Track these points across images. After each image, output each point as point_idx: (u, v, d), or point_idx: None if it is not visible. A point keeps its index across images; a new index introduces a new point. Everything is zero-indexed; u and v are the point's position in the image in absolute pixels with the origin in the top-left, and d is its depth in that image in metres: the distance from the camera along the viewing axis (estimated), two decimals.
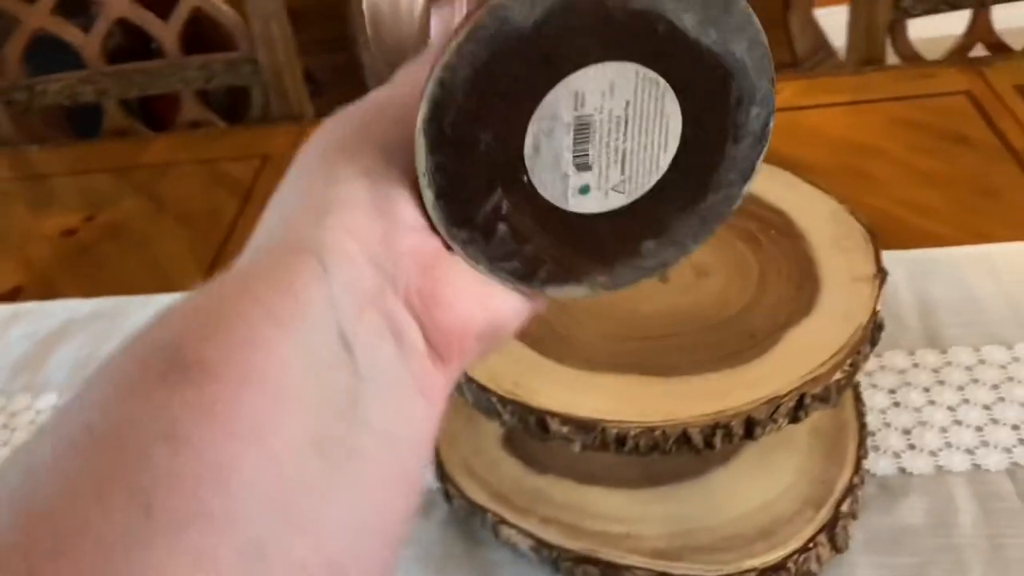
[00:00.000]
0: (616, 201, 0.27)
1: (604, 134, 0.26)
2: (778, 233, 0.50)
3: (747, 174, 0.28)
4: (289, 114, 1.13)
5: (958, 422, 0.58)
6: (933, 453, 0.56)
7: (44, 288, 0.83)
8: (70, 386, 0.71)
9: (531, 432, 0.43)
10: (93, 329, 0.76)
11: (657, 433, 0.40)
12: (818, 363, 0.42)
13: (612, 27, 0.24)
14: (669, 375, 0.42)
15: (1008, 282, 0.67)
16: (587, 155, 0.26)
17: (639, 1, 0.24)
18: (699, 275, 0.48)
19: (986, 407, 0.58)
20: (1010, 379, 0.60)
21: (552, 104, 0.25)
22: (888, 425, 0.58)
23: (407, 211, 0.26)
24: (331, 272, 0.25)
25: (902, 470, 0.55)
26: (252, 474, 0.21)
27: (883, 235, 0.75)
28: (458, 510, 0.55)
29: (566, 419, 0.41)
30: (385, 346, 0.25)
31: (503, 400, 0.43)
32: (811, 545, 0.48)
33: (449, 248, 0.27)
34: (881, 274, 0.47)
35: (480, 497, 0.53)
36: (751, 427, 0.40)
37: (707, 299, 0.47)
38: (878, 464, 0.55)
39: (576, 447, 0.42)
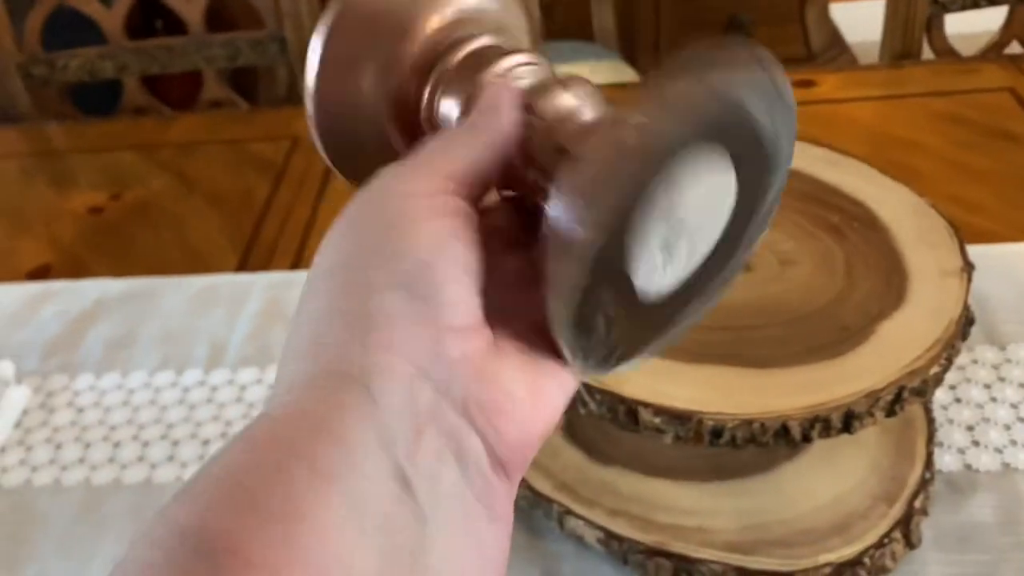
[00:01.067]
0: (682, 275, 0.27)
1: (687, 217, 0.25)
2: (861, 225, 0.49)
3: (764, 227, 0.29)
4: None
5: (1021, 420, 0.57)
6: (999, 450, 0.55)
7: (73, 266, 0.82)
8: (106, 364, 0.69)
9: (619, 423, 0.42)
10: (126, 309, 0.75)
11: (755, 426, 0.39)
12: (913, 356, 0.41)
13: (707, 117, 0.25)
14: (763, 367, 0.42)
15: None
16: (674, 241, 0.26)
17: (728, 91, 0.25)
18: (784, 264, 0.47)
19: None
20: None
21: (657, 199, 0.24)
22: (951, 422, 0.57)
23: (452, 315, 0.24)
24: (381, 401, 0.22)
25: (968, 466, 0.55)
26: None
27: None
28: (519, 500, 0.54)
29: (659, 410, 0.40)
30: (447, 472, 0.23)
31: (590, 389, 0.42)
32: (886, 541, 0.48)
33: (562, 358, 0.26)
34: (968, 268, 0.46)
35: (544, 487, 0.52)
36: (849, 420, 0.40)
37: (794, 289, 0.46)
38: (943, 460, 0.55)
39: (668, 439, 0.41)
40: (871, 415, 0.40)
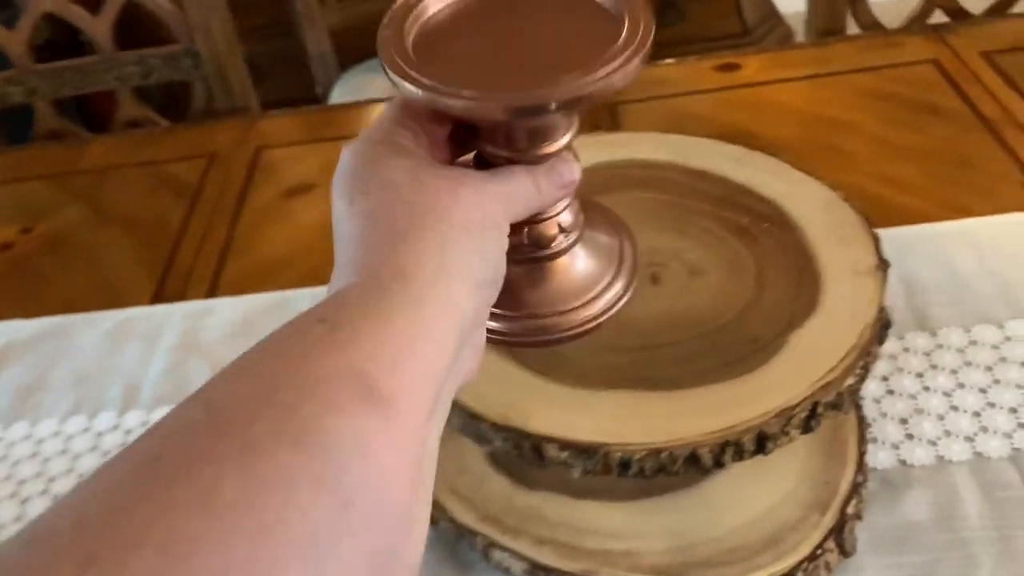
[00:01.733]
0: None
1: None
2: (772, 226, 0.47)
3: None
4: (233, 108, 1.07)
5: (955, 408, 0.56)
6: (932, 442, 0.54)
7: None
8: (14, 414, 0.66)
9: (526, 459, 0.40)
10: (37, 352, 0.71)
11: (664, 455, 0.37)
12: (828, 368, 0.39)
13: None
14: (670, 389, 0.40)
15: (991, 257, 0.66)
16: None
17: None
18: (693, 274, 0.45)
19: (982, 391, 0.57)
20: (1003, 360, 0.58)
21: None
22: (884, 415, 0.56)
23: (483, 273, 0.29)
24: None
25: (902, 462, 0.53)
26: None
27: None
28: (444, 533, 0.52)
29: (565, 444, 0.38)
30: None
31: (496, 427, 0.40)
32: (819, 552, 0.46)
33: None
34: (883, 266, 0.44)
35: (468, 519, 0.50)
36: (763, 442, 0.38)
37: (703, 301, 0.44)
38: (877, 457, 0.53)
39: (576, 473, 0.39)
40: (785, 434, 0.38)
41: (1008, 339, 0.60)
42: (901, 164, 0.77)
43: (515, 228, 0.31)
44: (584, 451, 0.38)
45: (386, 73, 0.30)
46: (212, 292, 0.75)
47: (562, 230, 0.33)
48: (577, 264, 0.34)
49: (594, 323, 0.33)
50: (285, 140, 0.95)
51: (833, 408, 0.39)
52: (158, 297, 0.76)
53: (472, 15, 0.32)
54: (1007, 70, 0.85)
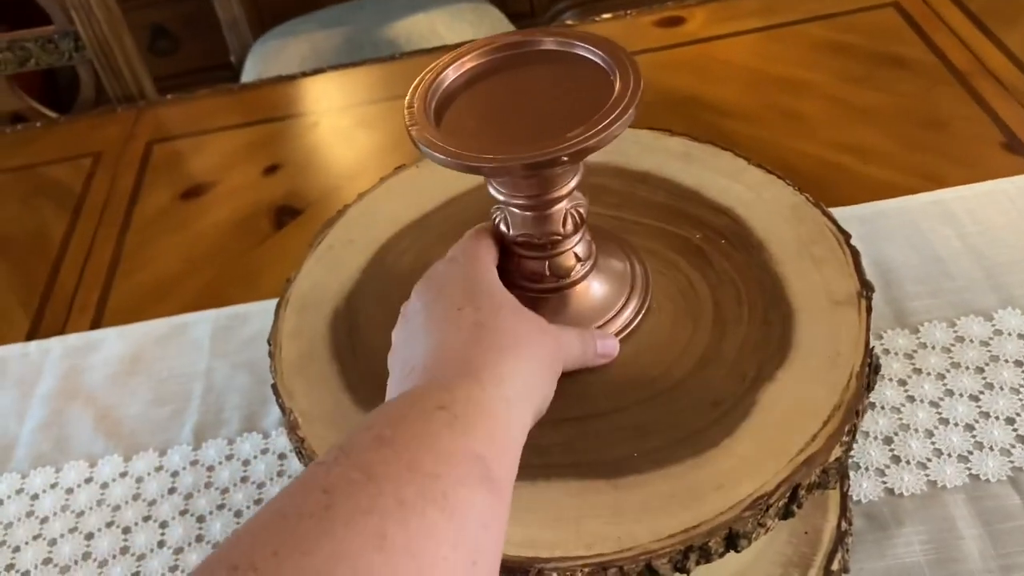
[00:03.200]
0: None
1: None
2: (730, 244, 0.39)
3: None
4: (126, 95, 0.96)
5: (944, 421, 0.49)
6: (922, 464, 0.47)
7: None
8: None
9: None
10: None
11: (611, 572, 0.29)
12: (808, 436, 0.32)
13: None
14: (617, 476, 0.32)
15: (972, 233, 0.59)
16: None
17: None
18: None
19: (973, 398, 0.50)
20: (995, 359, 0.51)
21: None
22: (867, 435, 0.49)
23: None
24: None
25: (890, 491, 0.46)
26: None
27: (824, 187, 0.66)
28: None
29: None
30: None
31: None
32: None
33: None
34: (867, 291, 0.36)
35: None
36: (733, 540, 0.30)
37: (650, 350, 0.36)
38: (862, 487, 0.47)
39: None
40: (761, 525, 0.30)
41: (998, 333, 0.53)
42: (863, 128, 0.69)
43: (538, 260, 0.36)
44: (511, 571, 0.30)
45: (416, 146, 0.33)
46: (97, 321, 0.66)
47: (579, 259, 0.37)
48: (593, 289, 0.37)
49: None
50: (177, 131, 0.85)
51: (818, 487, 0.31)
52: (35, 331, 0.66)
53: (484, 76, 0.36)
54: (975, 10, 0.77)
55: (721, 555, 0.30)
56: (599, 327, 0.37)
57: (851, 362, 0.34)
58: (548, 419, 0.34)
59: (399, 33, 1.38)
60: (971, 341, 0.53)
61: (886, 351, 0.53)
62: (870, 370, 0.34)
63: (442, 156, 0.32)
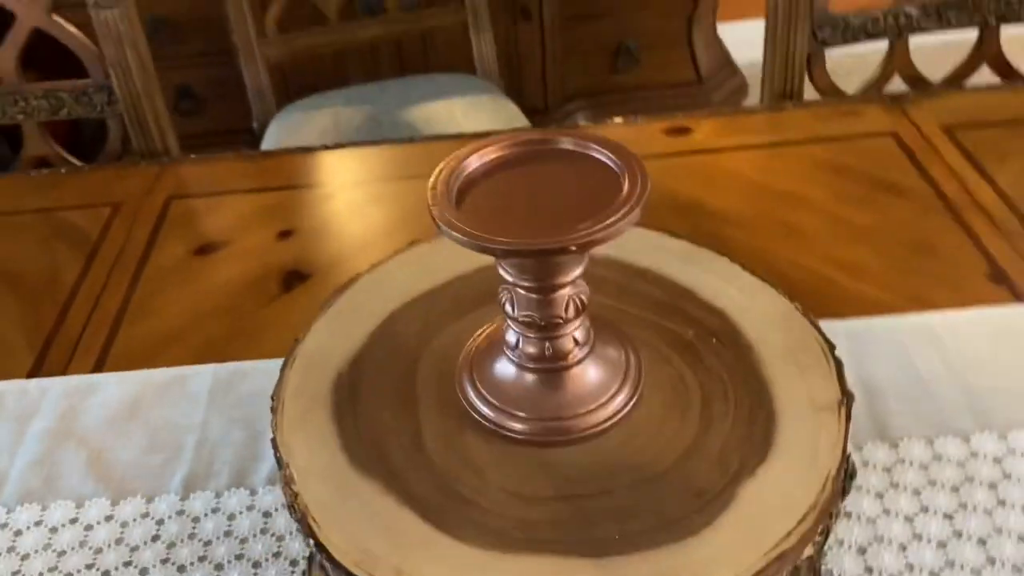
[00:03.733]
0: None
1: None
2: (721, 343, 0.41)
3: None
4: (151, 150, 0.99)
5: (918, 536, 0.50)
6: None
7: None
8: None
9: None
10: None
11: None
12: (783, 533, 0.33)
13: None
14: (599, 555, 0.33)
15: (954, 358, 0.61)
16: None
17: None
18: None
19: (947, 516, 0.51)
20: (970, 480, 0.53)
21: None
22: (841, 543, 0.50)
23: None
24: None
25: None
26: None
27: (815, 299, 0.68)
28: None
29: None
30: None
31: None
32: None
33: None
34: (847, 400, 0.38)
35: None
36: None
37: (641, 437, 0.38)
38: None
39: None
40: None
41: (974, 455, 0.54)
42: (856, 246, 0.72)
43: (539, 340, 0.39)
44: None
45: (436, 224, 0.35)
46: (100, 365, 0.67)
47: (577, 344, 0.39)
48: (589, 373, 0.39)
49: (600, 428, 0.39)
50: (201, 189, 0.88)
51: None
52: (37, 369, 0.67)
53: (504, 167, 0.39)
54: (969, 147, 0.81)
55: None
56: (591, 411, 0.38)
57: (828, 466, 0.35)
58: (536, 496, 0.35)
59: (419, 117, 1.43)
60: (948, 460, 0.54)
61: (865, 463, 0.55)
62: (846, 475, 0.36)
63: (459, 235, 0.34)
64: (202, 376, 0.64)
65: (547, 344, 0.38)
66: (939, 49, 1.09)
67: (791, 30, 0.94)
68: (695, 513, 0.34)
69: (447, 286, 0.47)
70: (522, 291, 0.37)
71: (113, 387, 0.64)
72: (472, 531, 0.34)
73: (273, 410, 0.41)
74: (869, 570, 0.49)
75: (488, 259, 0.48)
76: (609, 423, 0.38)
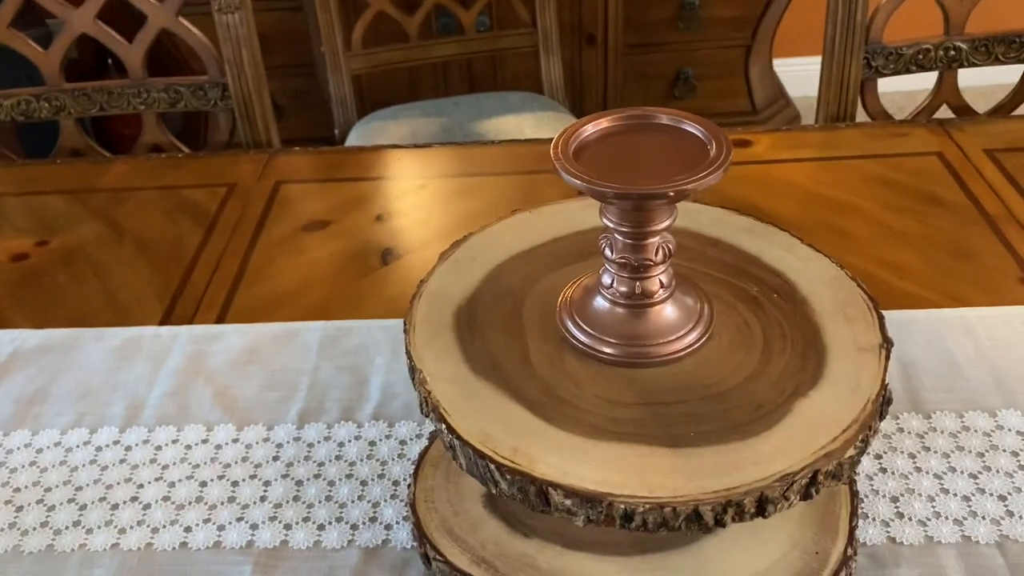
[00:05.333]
0: None
1: None
2: (780, 297, 0.49)
3: None
4: (256, 142, 1.10)
5: (945, 490, 0.57)
6: (922, 522, 0.55)
7: None
8: (15, 422, 0.66)
9: (531, 504, 0.40)
10: (42, 362, 0.72)
11: (667, 510, 0.38)
12: (830, 438, 0.41)
13: None
14: (676, 446, 0.41)
15: (987, 347, 0.68)
16: None
17: None
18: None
19: (972, 476, 0.58)
20: (994, 447, 0.60)
21: None
22: (876, 492, 0.57)
23: None
24: None
25: (892, 539, 0.54)
26: None
27: None
28: (436, 574, 0.52)
29: (570, 491, 0.39)
30: None
31: (501, 468, 0.41)
32: None
33: None
34: (887, 345, 0.46)
35: (462, 562, 0.50)
36: (763, 505, 0.39)
37: (711, 364, 0.45)
38: (867, 533, 0.54)
39: (579, 521, 0.40)
40: (785, 498, 0.39)
41: (1000, 427, 0.61)
42: (902, 250, 0.79)
43: (630, 280, 0.46)
44: (589, 500, 0.39)
45: (559, 173, 0.43)
46: (221, 319, 0.76)
47: (662, 286, 0.47)
48: (669, 312, 0.47)
49: (676, 356, 0.46)
50: (302, 177, 0.97)
51: (833, 477, 0.40)
52: (167, 319, 0.77)
53: (613, 135, 0.47)
54: (1009, 168, 0.88)
55: (752, 516, 0.39)
56: (670, 341, 0.46)
57: (868, 392, 0.43)
58: (624, 402, 0.43)
59: (489, 129, 1.53)
60: (975, 431, 0.61)
61: (900, 429, 0.61)
62: (883, 401, 0.43)
63: (579, 182, 0.42)
64: (312, 331, 0.73)
65: (637, 284, 0.46)
66: (986, 84, 1.15)
67: (847, 57, 1.01)
68: (756, 421, 0.42)
69: (545, 246, 0.55)
70: (620, 236, 0.45)
71: (234, 336, 0.73)
72: (572, 424, 0.42)
73: (405, 331, 0.49)
74: (900, 515, 0.56)
75: (579, 223, 0.57)
76: (684, 352, 0.46)
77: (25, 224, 0.92)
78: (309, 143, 1.06)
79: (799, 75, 2.17)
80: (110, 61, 1.90)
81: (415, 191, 0.93)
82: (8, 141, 1.22)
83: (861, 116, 1.08)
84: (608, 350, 0.46)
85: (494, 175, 0.95)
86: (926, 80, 1.09)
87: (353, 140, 1.55)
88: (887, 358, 0.45)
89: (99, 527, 0.58)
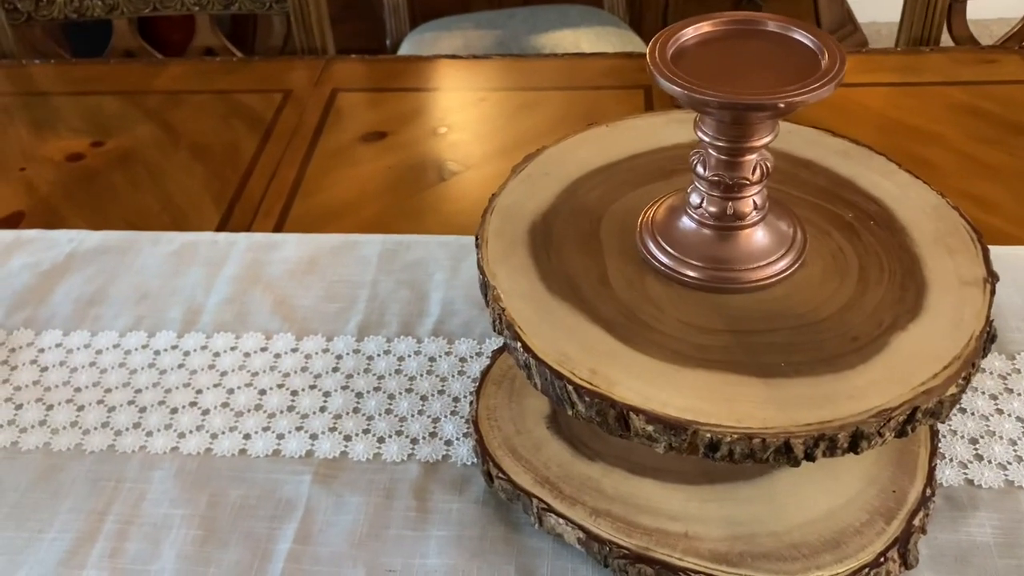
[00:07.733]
0: None
1: None
2: (877, 225, 0.46)
3: None
4: (311, 48, 1.07)
5: None
6: (1003, 466, 0.53)
7: (47, 215, 0.78)
8: (74, 322, 0.66)
9: (609, 428, 0.39)
10: (100, 264, 0.71)
11: (756, 441, 0.36)
12: (930, 374, 0.38)
13: None
14: (766, 376, 0.39)
15: None
16: None
17: None
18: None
19: None
20: None
21: None
22: (955, 433, 0.55)
23: None
24: None
25: (970, 482, 0.52)
26: None
27: None
28: (498, 492, 0.51)
29: (653, 417, 0.37)
30: None
31: (580, 389, 0.39)
32: (881, 560, 0.45)
33: None
34: (992, 279, 0.43)
35: (525, 481, 0.50)
36: (857, 440, 0.37)
37: (803, 292, 0.43)
38: (944, 474, 0.52)
39: (660, 448, 0.38)
40: (880, 435, 0.37)
41: None
42: (989, 184, 0.75)
43: (722, 200, 0.43)
44: (672, 427, 0.37)
45: (656, 80, 0.40)
46: (279, 227, 0.75)
47: (755, 207, 0.44)
48: (760, 236, 0.44)
49: (766, 282, 0.44)
50: (358, 85, 0.95)
51: (932, 416, 0.38)
52: (223, 226, 0.76)
53: (715, 41, 0.43)
54: None
55: (845, 451, 0.37)
56: (760, 267, 0.44)
57: (972, 328, 0.40)
58: (709, 328, 0.41)
59: (546, 43, 1.48)
60: None
61: (982, 369, 0.59)
62: (987, 338, 0.40)
63: (678, 89, 0.39)
64: (372, 243, 0.72)
65: (729, 204, 0.43)
66: None
67: None
68: (851, 353, 0.39)
69: (623, 162, 0.53)
70: (714, 152, 0.42)
71: (293, 245, 0.72)
72: (653, 348, 0.40)
73: (477, 246, 0.47)
74: (979, 457, 0.54)
75: (661, 140, 0.54)
76: (775, 279, 0.43)
77: (80, 124, 0.90)
78: (361, 52, 1.02)
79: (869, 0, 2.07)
80: None
81: (474, 104, 0.90)
82: (58, 40, 1.20)
83: (946, 41, 1.02)
84: (692, 273, 0.44)
85: (557, 89, 0.92)
86: (1017, 6, 1.02)
87: (405, 51, 1.51)
88: (992, 292, 0.42)
89: (159, 430, 0.58)
